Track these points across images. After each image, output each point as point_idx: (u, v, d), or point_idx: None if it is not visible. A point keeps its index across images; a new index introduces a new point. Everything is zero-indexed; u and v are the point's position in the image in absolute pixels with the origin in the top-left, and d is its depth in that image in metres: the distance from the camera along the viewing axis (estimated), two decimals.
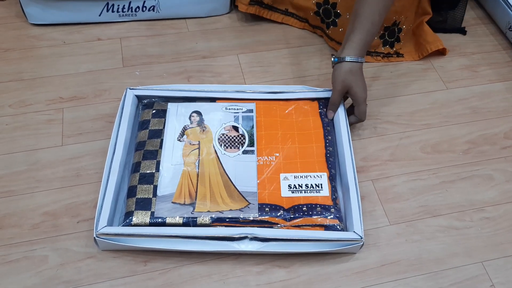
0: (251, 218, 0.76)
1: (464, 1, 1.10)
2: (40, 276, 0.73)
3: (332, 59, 0.86)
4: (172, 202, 0.77)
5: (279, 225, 0.76)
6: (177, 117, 0.87)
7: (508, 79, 1.05)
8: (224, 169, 0.81)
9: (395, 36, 1.05)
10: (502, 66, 1.08)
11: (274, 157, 0.83)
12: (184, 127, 0.86)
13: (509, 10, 1.10)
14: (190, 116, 0.87)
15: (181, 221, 0.75)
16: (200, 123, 0.87)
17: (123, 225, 0.75)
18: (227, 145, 0.84)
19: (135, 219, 0.75)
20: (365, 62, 1.04)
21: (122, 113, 0.86)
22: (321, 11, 1.05)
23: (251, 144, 0.84)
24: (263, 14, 1.10)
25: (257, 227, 0.75)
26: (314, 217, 0.76)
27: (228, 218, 0.76)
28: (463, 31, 1.13)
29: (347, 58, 0.84)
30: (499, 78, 1.05)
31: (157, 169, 0.80)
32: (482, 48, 1.11)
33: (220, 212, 0.76)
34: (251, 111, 0.89)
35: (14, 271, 0.74)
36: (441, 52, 1.08)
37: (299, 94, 0.92)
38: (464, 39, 1.13)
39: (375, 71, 1.05)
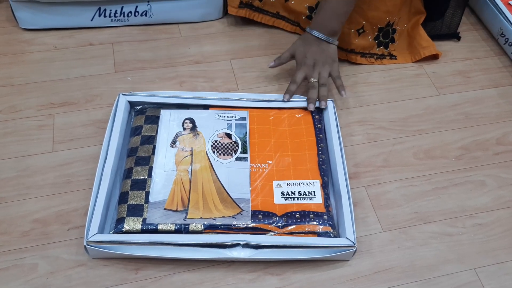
0: (244, 225, 0.75)
1: (457, 9, 1.10)
2: (29, 285, 0.72)
3: None
4: (165, 209, 0.76)
5: (272, 232, 0.75)
6: (170, 123, 0.87)
7: (500, 85, 1.06)
8: (217, 176, 0.81)
9: (389, 37, 1.05)
10: (494, 72, 1.08)
11: (267, 164, 0.83)
12: (177, 134, 0.85)
13: (501, 16, 1.10)
14: (183, 122, 0.87)
15: (173, 227, 0.74)
16: (193, 129, 0.86)
17: (114, 232, 0.74)
18: (220, 152, 0.84)
19: (126, 226, 0.74)
20: (358, 63, 1.06)
21: (114, 118, 0.86)
22: (313, 15, 1.05)
23: (244, 151, 0.84)
24: (253, 17, 1.10)
25: (250, 234, 0.75)
26: (307, 224, 0.76)
27: (221, 225, 0.75)
28: (457, 36, 1.14)
29: (306, 29, 0.94)
30: (491, 83, 1.06)
31: (149, 175, 0.80)
32: (474, 54, 1.11)
33: (212, 219, 0.76)
34: (244, 118, 0.88)
35: (3, 279, 0.72)
36: (434, 56, 1.08)
37: (292, 103, 0.92)
38: (456, 45, 1.13)
39: (368, 77, 1.05)
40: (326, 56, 0.92)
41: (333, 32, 0.92)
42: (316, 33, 0.91)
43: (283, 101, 0.92)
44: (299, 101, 0.92)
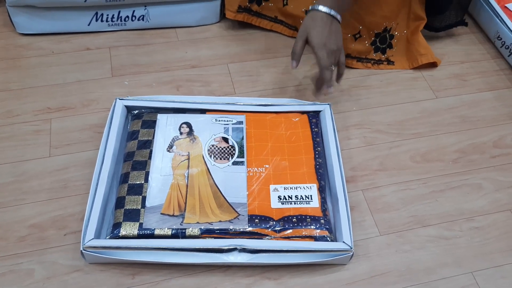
0: (241, 230, 0.75)
1: (459, 8, 1.10)
2: None
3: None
4: (161, 213, 0.76)
5: (268, 237, 0.75)
6: (166, 127, 0.87)
7: (497, 88, 1.06)
8: (213, 180, 0.81)
9: (386, 42, 1.05)
10: (490, 75, 1.08)
11: (264, 168, 0.83)
12: (173, 138, 0.85)
13: (497, 19, 1.11)
14: (180, 127, 0.87)
15: (169, 232, 0.74)
16: (190, 134, 0.86)
17: (110, 237, 0.74)
18: (216, 156, 0.84)
19: (123, 231, 0.74)
20: (354, 68, 1.06)
21: (111, 123, 0.86)
22: None
23: (241, 155, 0.84)
24: (251, 21, 1.10)
25: (247, 238, 0.74)
26: (304, 228, 0.76)
27: (218, 229, 0.75)
28: (464, 23, 1.12)
29: (311, 7, 0.86)
30: (487, 87, 1.06)
31: (146, 180, 0.80)
32: (471, 57, 1.12)
33: (209, 223, 0.76)
34: (241, 123, 0.88)
35: None
36: (432, 64, 1.08)
37: (289, 107, 0.92)
38: (453, 48, 1.13)
39: (365, 80, 1.05)
40: (339, 37, 0.87)
41: (343, 9, 0.87)
42: (326, 9, 0.84)
43: (329, 93, 0.89)
44: (296, 105, 0.93)
